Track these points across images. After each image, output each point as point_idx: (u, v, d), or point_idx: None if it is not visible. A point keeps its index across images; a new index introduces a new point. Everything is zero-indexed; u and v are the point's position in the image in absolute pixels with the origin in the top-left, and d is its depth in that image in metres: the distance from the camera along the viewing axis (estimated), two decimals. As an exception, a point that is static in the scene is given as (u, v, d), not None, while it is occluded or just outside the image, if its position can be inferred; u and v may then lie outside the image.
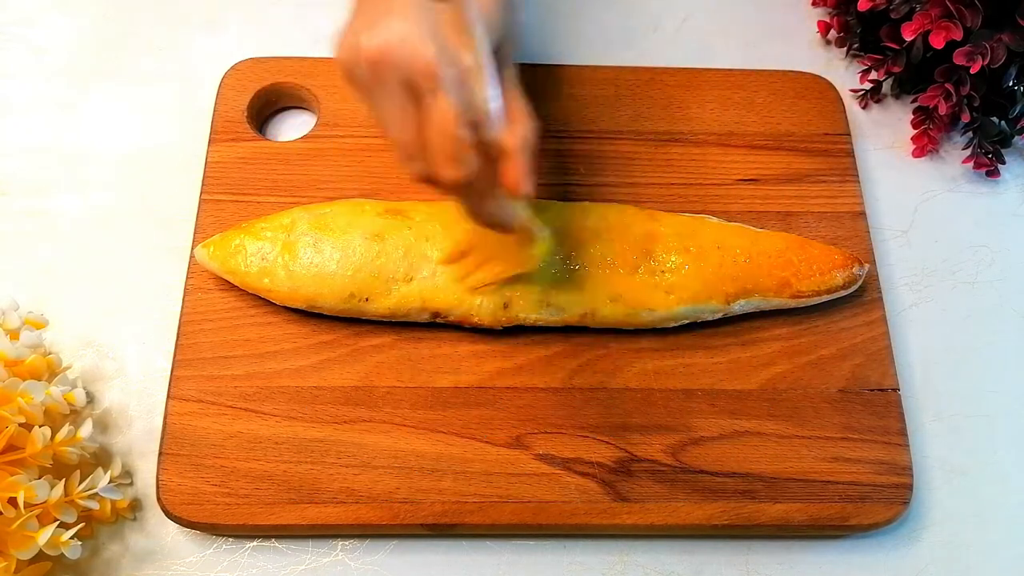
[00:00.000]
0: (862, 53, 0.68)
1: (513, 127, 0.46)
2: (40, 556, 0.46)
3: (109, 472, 0.50)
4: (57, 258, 0.60)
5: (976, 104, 0.62)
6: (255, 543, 0.52)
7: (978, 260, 0.63)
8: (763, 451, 0.53)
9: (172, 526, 0.52)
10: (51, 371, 0.52)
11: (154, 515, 0.52)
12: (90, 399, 0.55)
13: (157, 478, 0.51)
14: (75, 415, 0.53)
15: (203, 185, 0.59)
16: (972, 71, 0.59)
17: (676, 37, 0.71)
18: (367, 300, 0.54)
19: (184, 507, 0.50)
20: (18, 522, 0.45)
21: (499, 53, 0.47)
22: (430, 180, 0.44)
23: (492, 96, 0.43)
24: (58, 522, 0.47)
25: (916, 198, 0.65)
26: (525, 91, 0.51)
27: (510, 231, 0.49)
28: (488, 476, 0.52)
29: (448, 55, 0.41)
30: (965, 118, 0.63)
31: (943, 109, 0.62)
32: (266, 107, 0.64)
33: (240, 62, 0.64)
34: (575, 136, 0.63)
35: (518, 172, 0.45)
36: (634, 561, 0.53)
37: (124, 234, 0.61)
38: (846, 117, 0.65)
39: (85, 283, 0.59)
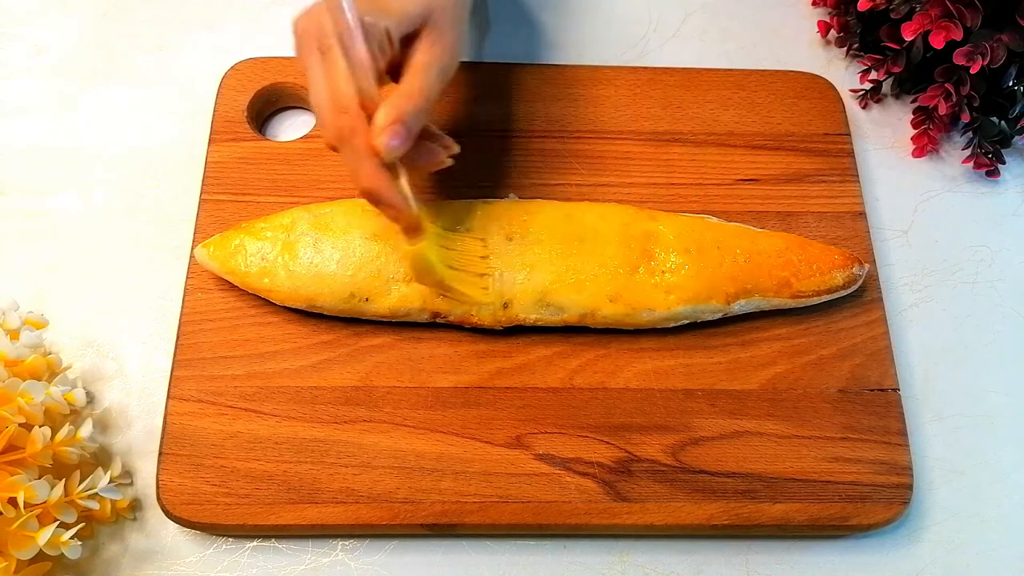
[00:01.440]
0: (862, 53, 0.68)
1: (397, 97, 0.47)
2: (40, 556, 0.46)
3: (109, 472, 0.50)
4: (57, 258, 0.60)
5: (976, 104, 0.62)
6: (255, 543, 0.52)
7: (978, 260, 0.63)
8: (763, 451, 0.53)
9: (172, 526, 0.52)
10: (51, 371, 0.52)
11: (154, 515, 0.52)
12: (90, 399, 0.55)
13: (157, 478, 0.51)
14: (75, 415, 0.53)
15: (203, 185, 0.59)
16: (972, 71, 0.59)
17: (676, 37, 0.71)
18: (367, 300, 0.54)
19: (184, 507, 0.50)
20: (18, 522, 0.45)
21: (419, 36, 0.49)
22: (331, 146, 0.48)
23: (361, 54, 0.46)
24: (58, 522, 0.47)
25: (916, 198, 0.65)
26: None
27: (386, 204, 0.48)
28: (488, 476, 0.52)
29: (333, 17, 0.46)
30: (965, 118, 0.63)
31: (943, 109, 0.62)
32: (266, 107, 0.64)
33: (240, 62, 0.64)
34: (575, 136, 0.63)
35: (381, 128, 0.46)
36: (634, 561, 0.53)
37: (124, 234, 0.61)
38: (846, 117, 0.65)
39: (85, 283, 0.59)
